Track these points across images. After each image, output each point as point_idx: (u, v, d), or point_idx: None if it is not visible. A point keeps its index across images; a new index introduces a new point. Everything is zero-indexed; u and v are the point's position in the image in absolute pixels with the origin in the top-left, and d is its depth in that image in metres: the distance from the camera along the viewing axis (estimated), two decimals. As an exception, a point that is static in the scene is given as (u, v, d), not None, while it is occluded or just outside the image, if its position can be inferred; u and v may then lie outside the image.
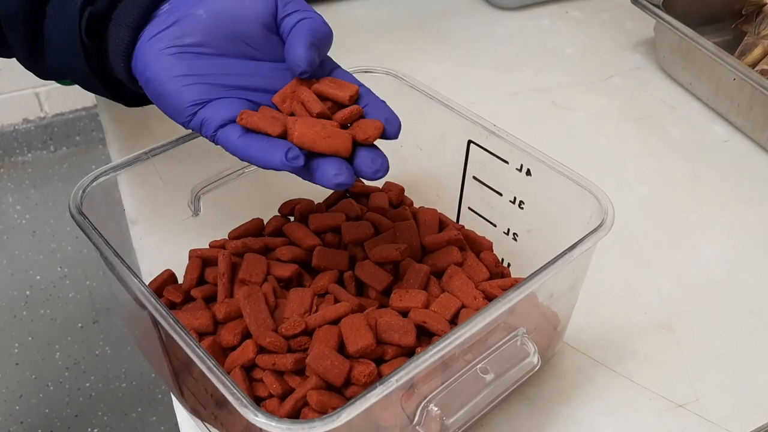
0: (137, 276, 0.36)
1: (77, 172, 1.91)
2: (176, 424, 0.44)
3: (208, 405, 0.38)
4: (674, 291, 0.54)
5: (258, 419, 0.30)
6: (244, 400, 0.31)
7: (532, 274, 0.38)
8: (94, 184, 0.41)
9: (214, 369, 0.32)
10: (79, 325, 1.55)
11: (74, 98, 1.92)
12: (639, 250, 0.57)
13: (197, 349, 0.33)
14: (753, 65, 0.72)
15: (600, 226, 0.40)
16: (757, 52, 0.73)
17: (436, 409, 0.36)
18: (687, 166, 0.64)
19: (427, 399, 0.37)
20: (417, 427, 0.37)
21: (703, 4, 0.79)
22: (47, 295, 1.61)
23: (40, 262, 1.68)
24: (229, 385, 0.31)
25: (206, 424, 0.42)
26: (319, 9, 0.83)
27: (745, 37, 0.75)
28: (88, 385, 1.43)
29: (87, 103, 1.93)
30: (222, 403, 0.36)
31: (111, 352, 1.50)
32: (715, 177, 0.64)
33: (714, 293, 0.54)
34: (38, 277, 1.64)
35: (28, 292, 1.61)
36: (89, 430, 1.36)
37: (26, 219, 1.78)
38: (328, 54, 0.45)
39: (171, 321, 0.34)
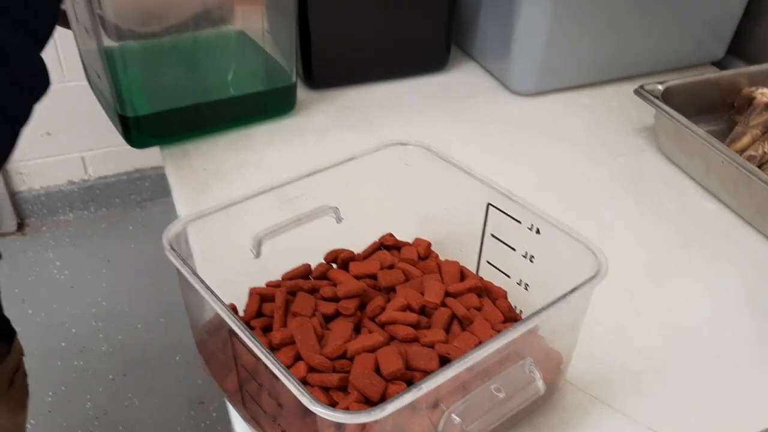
0: (218, 297, 0.45)
1: (115, 232, 2.02)
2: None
3: (269, 408, 0.46)
4: (662, 338, 0.62)
5: (318, 409, 0.38)
6: (308, 396, 0.39)
7: (537, 311, 0.46)
8: (183, 226, 0.50)
9: (284, 371, 0.40)
10: (110, 377, 1.63)
11: (117, 163, 2.05)
12: (633, 302, 0.65)
13: (269, 356, 0.41)
14: (741, 151, 0.81)
15: (595, 275, 0.48)
16: (746, 139, 0.82)
17: (457, 418, 0.44)
18: (679, 234, 0.73)
19: (450, 410, 0.44)
20: (441, 434, 0.44)
21: (699, 96, 0.89)
22: (81, 348, 1.69)
23: (76, 315, 1.77)
24: (295, 383, 0.39)
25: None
26: (358, 89, 0.94)
27: (736, 126, 0.85)
28: (116, 434, 1.50)
29: (128, 168, 2.06)
30: (284, 403, 0.44)
31: (139, 404, 1.57)
32: (703, 243, 0.72)
33: (696, 340, 0.61)
34: (73, 330, 1.73)
35: (63, 344, 1.69)
36: (116, 477, 1.42)
37: (65, 275, 1.88)
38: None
39: (247, 332, 0.42)
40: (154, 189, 2.11)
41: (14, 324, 0.75)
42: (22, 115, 0.53)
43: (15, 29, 0.50)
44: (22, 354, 0.78)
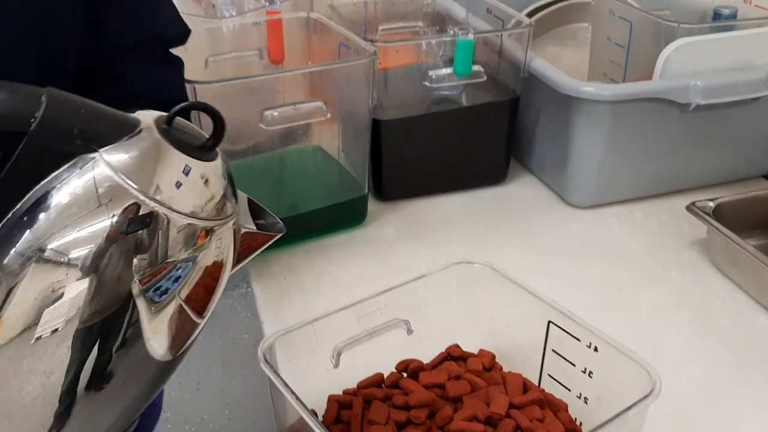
0: (306, 407, 0.50)
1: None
2: None
3: None
4: (721, 456, 0.64)
5: None
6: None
7: (595, 427, 0.50)
8: (276, 340, 0.56)
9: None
10: (176, 466, 1.67)
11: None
12: (691, 422, 0.68)
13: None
14: (794, 266, 0.84)
15: (649, 393, 0.53)
16: (798, 255, 0.85)
17: None
18: (735, 352, 0.76)
19: None
20: None
21: (751, 211, 0.93)
22: (149, 437, 1.74)
23: (145, 405, 1.83)
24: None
25: None
26: (424, 201, 1.01)
27: (788, 242, 0.88)
28: None
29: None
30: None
31: (204, 495, 1.60)
32: (758, 361, 0.74)
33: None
34: (142, 419, 1.79)
35: (132, 433, 1.75)
36: None
37: (135, 364, 1.96)
38: None
39: (334, 442, 0.48)
40: (221, 282, 2.20)
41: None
42: None
43: None
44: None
